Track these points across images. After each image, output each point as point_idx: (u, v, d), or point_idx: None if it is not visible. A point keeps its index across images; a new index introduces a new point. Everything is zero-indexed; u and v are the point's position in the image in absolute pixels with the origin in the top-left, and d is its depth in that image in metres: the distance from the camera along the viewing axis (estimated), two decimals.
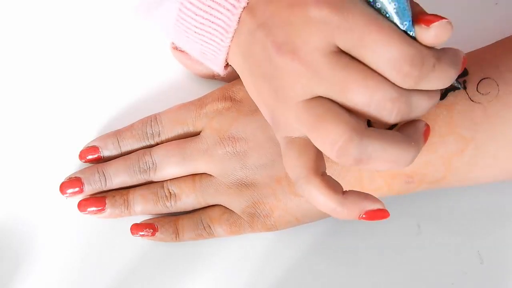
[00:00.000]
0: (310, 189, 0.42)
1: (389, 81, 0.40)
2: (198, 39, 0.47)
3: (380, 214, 0.43)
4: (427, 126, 0.44)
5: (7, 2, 0.58)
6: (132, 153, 0.54)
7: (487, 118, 0.48)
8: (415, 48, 0.40)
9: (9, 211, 0.54)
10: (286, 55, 0.41)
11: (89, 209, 0.53)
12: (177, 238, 0.53)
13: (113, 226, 0.54)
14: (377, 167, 0.42)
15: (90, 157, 0.54)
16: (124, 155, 0.54)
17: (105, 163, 0.54)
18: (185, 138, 0.54)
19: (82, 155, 0.55)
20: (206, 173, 0.53)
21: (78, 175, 0.54)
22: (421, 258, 0.53)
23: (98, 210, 0.53)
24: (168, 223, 0.53)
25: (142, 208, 0.53)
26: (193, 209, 0.53)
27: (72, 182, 0.53)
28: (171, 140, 0.54)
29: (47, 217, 0.54)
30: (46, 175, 0.55)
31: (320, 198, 0.42)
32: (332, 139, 0.40)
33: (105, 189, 0.54)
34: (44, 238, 0.54)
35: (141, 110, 0.55)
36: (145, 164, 0.53)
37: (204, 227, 0.53)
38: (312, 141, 0.42)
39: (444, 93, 0.49)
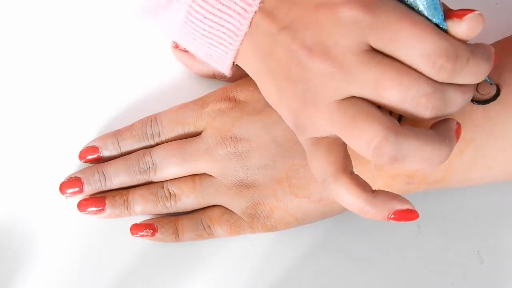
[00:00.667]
0: (338, 188, 0.42)
1: (423, 76, 0.40)
2: (206, 42, 0.46)
3: (409, 214, 0.43)
4: (459, 124, 0.44)
5: (8, 2, 0.58)
6: (132, 153, 0.54)
7: (487, 119, 0.48)
8: (449, 42, 0.40)
9: (9, 211, 0.54)
10: (317, 57, 0.41)
11: (89, 209, 0.53)
12: (177, 238, 0.53)
13: (113, 226, 0.54)
14: (412, 166, 0.41)
15: (90, 157, 0.54)
16: (124, 155, 0.54)
17: (105, 163, 0.54)
18: (186, 138, 0.54)
19: (82, 155, 0.55)
20: (206, 174, 0.53)
21: (78, 175, 0.54)
22: (421, 258, 0.53)
23: (98, 210, 0.53)
24: (168, 223, 0.53)
25: (142, 208, 0.53)
26: (193, 209, 0.53)
27: (72, 182, 0.53)
28: (171, 141, 0.54)
29: (47, 217, 0.54)
30: (46, 175, 0.55)
31: (349, 197, 0.42)
32: (368, 138, 0.40)
33: (105, 189, 0.54)
34: (44, 238, 0.54)
35: (141, 110, 0.55)
36: (145, 164, 0.53)
37: (204, 228, 0.53)
38: (346, 142, 0.42)
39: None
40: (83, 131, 0.55)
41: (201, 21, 0.45)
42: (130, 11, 0.48)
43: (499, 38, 0.52)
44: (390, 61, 0.40)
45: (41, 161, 0.55)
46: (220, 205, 0.53)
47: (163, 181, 0.53)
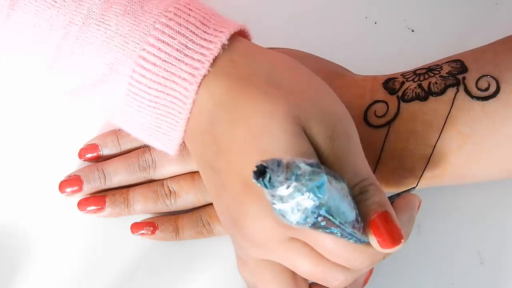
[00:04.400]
0: None
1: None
2: (153, 113, 0.44)
3: None
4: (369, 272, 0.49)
5: None
6: (132, 151, 0.54)
7: (486, 115, 0.48)
8: (365, 254, 0.41)
9: (8, 211, 0.54)
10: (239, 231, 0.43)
11: (88, 208, 0.53)
12: (177, 236, 0.53)
13: (113, 226, 0.54)
14: None
15: (89, 155, 0.54)
16: (124, 153, 0.54)
17: (104, 161, 0.54)
18: None
19: (81, 154, 0.54)
20: None
21: (77, 174, 0.54)
22: (421, 258, 0.53)
23: (98, 209, 0.53)
24: (168, 221, 0.53)
25: (142, 206, 0.53)
26: (192, 207, 0.53)
27: (71, 181, 0.53)
28: None
29: (47, 217, 0.54)
30: (45, 174, 0.55)
31: None
32: None
33: (104, 187, 0.54)
34: (43, 237, 0.54)
35: None
36: (144, 162, 0.53)
37: (203, 225, 0.53)
38: None
39: (443, 89, 0.49)
40: (83, 130, 0.55)
41: (145, 92, 0.44)
42: (62, 92, 0.46)
43: (499, 38, 0.52)
44: (309, 250, 0.42)
45: (40, 160, 0.55)
46: None
47: (163, 179, 0.53)
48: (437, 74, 0.50)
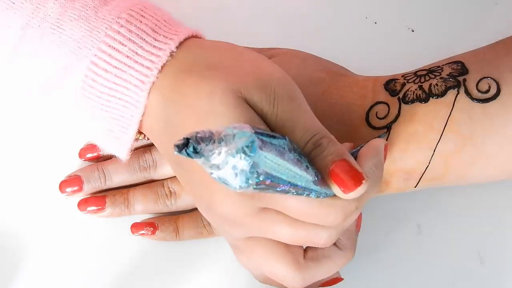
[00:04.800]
0: None
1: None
2: (105, 116, 0.45)
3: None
4: (358, 227, 0.49)
5: None
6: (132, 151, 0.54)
7: (486, 117, 0.48)
8: (334, 207, 0.41)
9: (8, 211, 0.54)
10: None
11: (89, 208, 0.53)
12: (177, 236, 0.53)
13: (113, 226, 0.54)
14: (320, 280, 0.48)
15: (89, 155, 0.54)
16: None
17: (104, 161, 0.54)
18: None
19: (81, 154, 0.54)
20: None
21: (77, 173, 0.54)
22: (421, 258, 0.53)
23: (98, 209, 0.53)
24: (168, 221, 0.53)
25: (142, 207, 0.53)
26: (193, 207, 0.53)
27: (72, 181, 0.53)
28: None
29: (47, 217, 0.54)
30: (46, 174, 0.54)
31: None
32: (280, 278, 0.46)
33: (104, 187, 0.54)
34: (44, 238, 0.54)
35: None
36: (145, 161, 0.53)
37: (204, 225, 0.53)
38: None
39: (444, 90, 0.49)
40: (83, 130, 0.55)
41: (97, 96, 0.44)
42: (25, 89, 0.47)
43: (499, 38, 0.52)
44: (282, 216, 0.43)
45: (40, 160, 0.55)
46: None
47: (163, 180, 0.53)
48: (438, 75, 0.50)
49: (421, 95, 0.49)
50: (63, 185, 0.53)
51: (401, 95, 0.50)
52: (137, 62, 0.43)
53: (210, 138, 0.33)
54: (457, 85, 0.49)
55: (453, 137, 0.48)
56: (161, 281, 0.53)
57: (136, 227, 0.53)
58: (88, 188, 0.53)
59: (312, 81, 0.51)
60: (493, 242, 0.54)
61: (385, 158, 0.45)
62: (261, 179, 0.34)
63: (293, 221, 0.42)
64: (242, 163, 0.33)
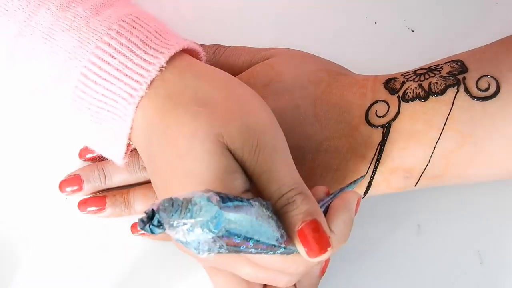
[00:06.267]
0: None
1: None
2: (95, 127, 0.45)
3: None
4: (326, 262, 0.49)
5: None
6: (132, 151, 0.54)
7: (486, 115, 0.48)
8: (296, 262, 0.42)
9: (8, 211, 0.54)
10: None
11: (89, 209, 0.53)
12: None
13: (113, 226, 0.54)
14: None
15: (89, 155, 0.54)
16: None
17: (104, 161, 0.54)
18: None
19: (81, 154, 0.55)
20: None
21: (77, 173, 0.54)
22: (421, 258, 0.53)
23: (98, 209, 0.53)
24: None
25: (142, 207, 0.53)
26: None
27: (72, 180, 0.53)
28: None
29: (47, 217, 0.54)
30: (46, 174, 0.54)
31: None
32: None
33: (104, 187, 0.54)
34: (43, 238, 0.53)
35: None
36: None
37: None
38: None
39: (444, 89, 0.49)
40: None
41: (87, 108, 0.44)
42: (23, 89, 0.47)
43: (499, 38, 0.52)
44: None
45: (40, 160, 0.55)
46: None
47: None
48: (438, 74, 0.50)
49: (420, 94, 0.49)
50: (63, 185, 0.54)
51: (400, 93, 0.50)
52: (126, 75, 0.43)
53: (177, 209, 0.34)
54: (456, 83, 0.49)
55: (453, 135, 0.48)
56: (161, 281, 0.53)
57: (136, 227, 0.53)
58: (88, 187, 0.53)
59: (312, 80, 0.51)
60: (492, 242, 0.54)
61: (356, 212, 0.44)
62: (223, 250, 0.36)
63: (255, 264, 0.43)
64: (206, 236, 0.34)
